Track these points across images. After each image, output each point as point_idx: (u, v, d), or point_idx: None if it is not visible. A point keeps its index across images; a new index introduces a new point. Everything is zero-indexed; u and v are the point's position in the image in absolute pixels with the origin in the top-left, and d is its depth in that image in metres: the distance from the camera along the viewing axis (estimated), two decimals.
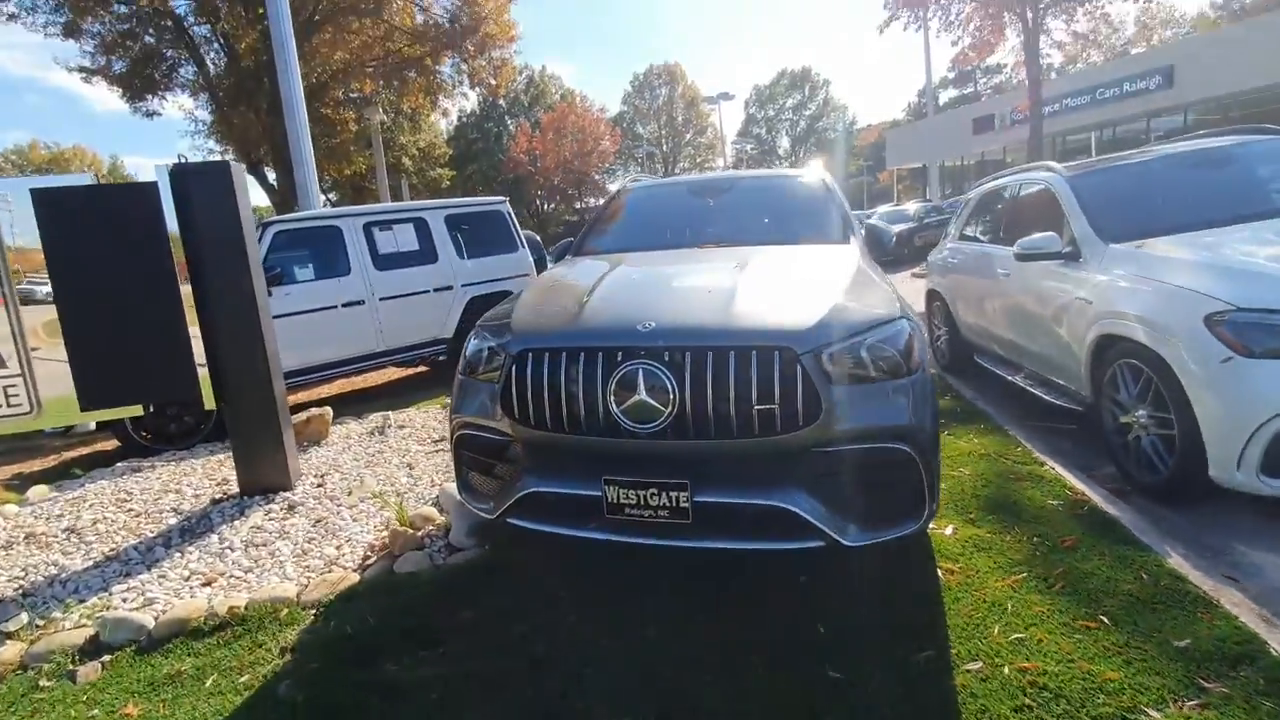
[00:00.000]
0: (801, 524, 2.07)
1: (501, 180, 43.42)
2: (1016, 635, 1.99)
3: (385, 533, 3.02)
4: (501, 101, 45.48)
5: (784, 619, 2.17)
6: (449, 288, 6.72)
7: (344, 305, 6.08)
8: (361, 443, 4.55)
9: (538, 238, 7.74)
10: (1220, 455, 2.58)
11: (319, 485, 3.68)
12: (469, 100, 24.79)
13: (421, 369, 8.03)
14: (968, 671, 1.85)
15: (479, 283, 6.87)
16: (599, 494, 2.17)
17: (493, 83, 19.54)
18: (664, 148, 52.61)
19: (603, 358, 2.17)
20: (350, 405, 5.87)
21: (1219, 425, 2.58)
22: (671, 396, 2.07)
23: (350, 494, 3.50)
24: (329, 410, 4.72)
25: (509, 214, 7.23)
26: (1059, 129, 25.35)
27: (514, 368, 2.31)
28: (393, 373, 8.09)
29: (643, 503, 2.13)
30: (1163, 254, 3.19)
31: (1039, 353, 4.07)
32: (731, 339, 2.12)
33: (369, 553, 2.90)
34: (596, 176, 44.74)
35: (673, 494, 2.10)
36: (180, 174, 3.22)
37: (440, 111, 21.69)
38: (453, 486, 3.29)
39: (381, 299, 6.29)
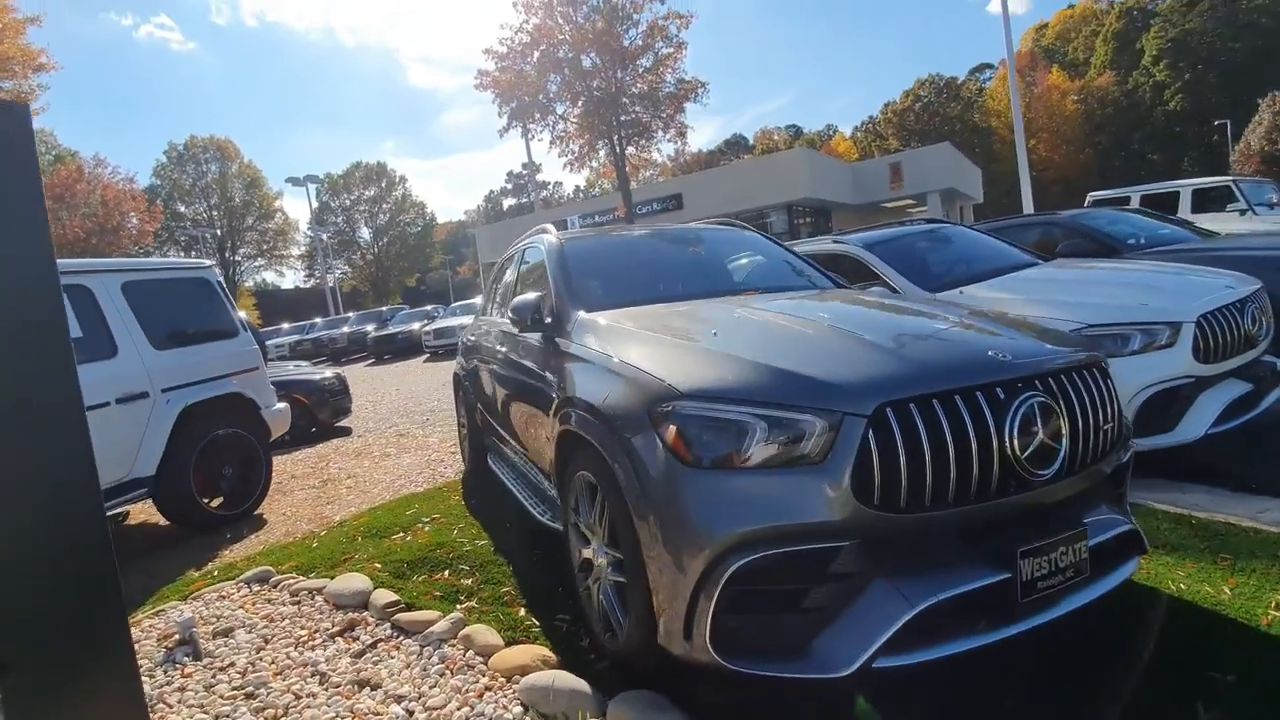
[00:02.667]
0: (1134, 543, 1.98)
1: None
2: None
3: None
4: None
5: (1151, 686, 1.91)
6: (141, 395, 4.04)
7: None
8: (176, 695, 2.25)
9: (247, 318, 5.36)
10: None
11: None
12: None
13: None
14: None
15: (190, 385, 4.33)
16: (1008, 575, 1.64)
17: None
18: (220, 230, 43.57)
19: (985, 398, 1.69)
20: None
21: None
22: (1063, 429, 1.75)
23: None
24: None
25: (220, 284, 4.84)
26: None
27: (870, 433, 1.59)
28: None
29: (1054, 568, 1.70)
30: None
31: None
32: (1067, 359, 1.92)
33: None
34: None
35: (1077, 546, 1.74)
36: None
37: None
38: (546, 677, 2.00)
39: None
